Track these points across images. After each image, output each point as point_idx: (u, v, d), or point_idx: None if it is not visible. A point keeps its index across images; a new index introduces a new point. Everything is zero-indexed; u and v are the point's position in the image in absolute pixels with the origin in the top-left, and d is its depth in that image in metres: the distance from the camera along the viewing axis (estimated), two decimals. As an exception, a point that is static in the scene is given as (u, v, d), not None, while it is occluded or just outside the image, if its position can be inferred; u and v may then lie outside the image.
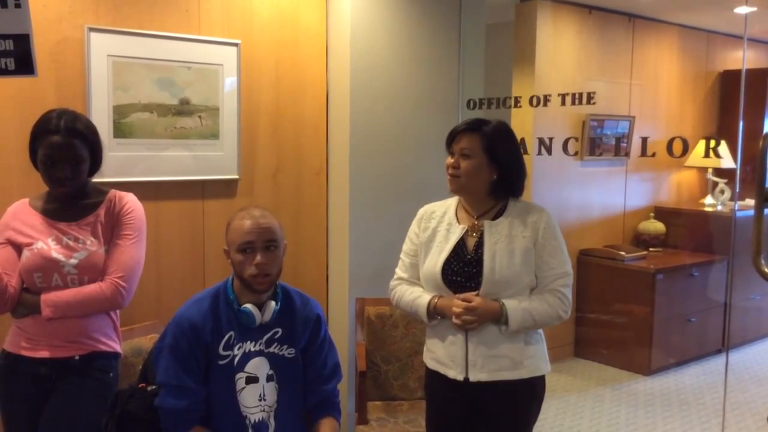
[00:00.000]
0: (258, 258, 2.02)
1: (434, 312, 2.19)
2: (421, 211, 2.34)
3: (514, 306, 2.10)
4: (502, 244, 2.13)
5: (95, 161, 2.22)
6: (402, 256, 2.35)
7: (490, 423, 2.18)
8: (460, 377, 2.16)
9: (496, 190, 2.18)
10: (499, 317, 2.10)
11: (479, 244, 2.16)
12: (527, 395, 2.19)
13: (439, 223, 2.26)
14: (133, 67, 2.90)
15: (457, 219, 2.24)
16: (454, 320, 2.11)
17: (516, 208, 2.20)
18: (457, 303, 2.11)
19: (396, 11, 3.48)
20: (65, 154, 2.12)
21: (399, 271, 2.35)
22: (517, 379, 2.14)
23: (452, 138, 2.20)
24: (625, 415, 4.23)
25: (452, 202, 2.30)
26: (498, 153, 2.15)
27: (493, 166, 2.15)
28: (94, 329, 2.19)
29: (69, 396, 2.15)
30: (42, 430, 2.14)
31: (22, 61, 2.19)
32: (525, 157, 3.82)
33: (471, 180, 2.15)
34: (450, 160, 2.20)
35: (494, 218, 2.19)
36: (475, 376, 2.14)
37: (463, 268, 2.15)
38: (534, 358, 2.17)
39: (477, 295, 2.12)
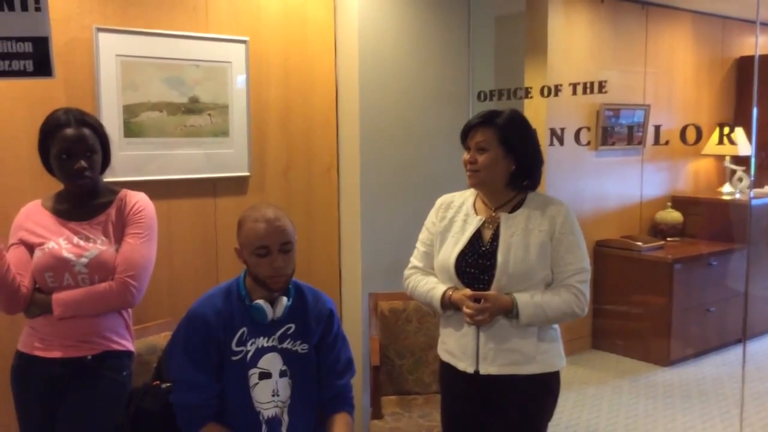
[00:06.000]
0: (276, 262, 2.02)
1: (448, 304, 2.18)
2: (439, 201, 2.34)
3: (525, 300, 2.08)
4: (518, 237, 2.11)
5: (105, 157, 2.24)
6: (417, 244, 2.34)
7: (502, 417, 2.16)
8: (471, 369, 2.15)
9: (515, 181, 2.16)
10: (510, 311, 2.08)
11: (495, 237, 2.14)
12: (540, 391, 2.16)
13: (457, 213, 2.24)
14: (142, 67, 2.91)
15: (475, 210, 2.22)
16: (466, 319, 2.11)
17: (534, 201, 2.17)
18: (468, 304, 2.09)
19: (404, 4, 3.46)
20: (79, 145, 2.13)
21: (414, 260, 2.35)
22: (529, 374, 2.12)
23: (466, 133, 2.18)
24: (643, 407, 4.20)
25: (471, 192, 2.28)
26: (513, 143, 2.13)
27: (510, 157, 2.13)
28: (106, 328, 2.20)
29: (83, 399, 2.16)
30: None
31: (41, 63, 2.21)
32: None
33: (490, 173, 2.13)
34: (466, 155, 2.18)
35: (512, 211, 2.17)
36: (485, 369, 2.13)
37: (477, 260, 2.14)
38: (547, 354, 2.15)
39: (484, 290, 2.10)
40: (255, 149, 3.25)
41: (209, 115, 3.10)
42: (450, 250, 2.19)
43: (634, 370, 4.84)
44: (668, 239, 5.19)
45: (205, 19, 3.09)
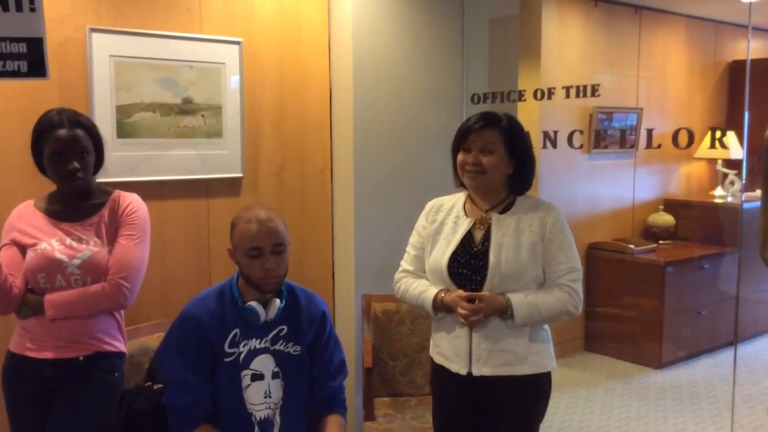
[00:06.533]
0: (268, 263, 2.02)
1: (440, 306, 2.18)
2: (429, 204, 2.34)
3: (519, 300, 2.09)
4: (510, 238, 2.13)
5: (99, 158, 2.23)
6: (408, 248, 2.35)
7: (494, 418, 2.17)
8: (464, 371, 2.15)
9: (510, 183, 2.19)
10: (504, 311, 2.10)
11: (486, 237, 2.15)
12: (531, 391, 2.17)
13: (447, 215, 2.26)
14: (136, 67, 2.90)
15: (465, 212, 2.24)
16: (460, 320, 2.12)
17: (525, 203, 2.20)
18: (462, 305, 2.10)
19: (398, 6, 3.47)
20: (72, 146, 2.13)
21: (404, 264, 2.35)
22: (521, 374, 2.13)
23: (466, 135, 2.18)
24: (635, 409, 4.21)
25: (460, 195, 2.30)
26: (515, 145, 2.16)
27: (510, 159, 2.16)
28: (98, 329, 2.19)
29: (74, 400, 2.16)
30: None
31: (35, 64, 2.21)
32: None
33: (495, 174, 2.15)
34: (468, 157, 2.17)
35: (502, 212, 2.19)
36: (478, 371, 2.13)
37: (469, 261, 2.15)
38: (539, 355, 2.16)
39: (477, 291, 2.11)
40: (248, 150, 3.25)
41: (203, 116, 3.10)
42: (442, 252, 2.20)
43: (626, 372, 4.85)
44: (660, 242, 5.20)
45: (199, 20, 3.08)
